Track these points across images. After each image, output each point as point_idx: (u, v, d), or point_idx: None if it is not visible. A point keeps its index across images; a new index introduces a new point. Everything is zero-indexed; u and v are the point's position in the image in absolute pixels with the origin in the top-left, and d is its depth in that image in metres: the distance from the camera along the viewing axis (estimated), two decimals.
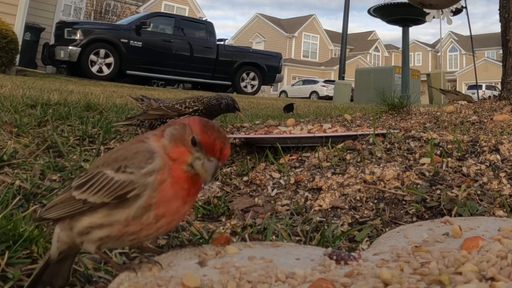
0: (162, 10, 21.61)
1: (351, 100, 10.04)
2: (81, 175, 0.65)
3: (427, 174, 1.16)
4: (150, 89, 7.52)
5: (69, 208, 0.63)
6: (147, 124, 1.70)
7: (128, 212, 0.60)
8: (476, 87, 6.46)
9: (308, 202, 1.13)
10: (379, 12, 8.37)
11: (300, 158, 1.43)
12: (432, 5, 2.86)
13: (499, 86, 3.28)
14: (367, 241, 0.90)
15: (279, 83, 17.55)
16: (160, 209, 0.60)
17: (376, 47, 36.36)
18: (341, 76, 12.16)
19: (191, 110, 1.69)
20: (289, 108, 3.75)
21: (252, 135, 1.67)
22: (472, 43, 4.04)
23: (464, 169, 1.16)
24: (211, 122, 0.63)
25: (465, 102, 2.84)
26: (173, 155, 0.60)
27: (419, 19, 8.20)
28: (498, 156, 1.22)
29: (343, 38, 12.53)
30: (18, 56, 8.30)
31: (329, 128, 1.65)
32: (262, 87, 12.72)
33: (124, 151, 0.62)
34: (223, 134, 0.62)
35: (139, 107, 1.79)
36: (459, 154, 1.27)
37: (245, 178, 1.33)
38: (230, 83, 10.94)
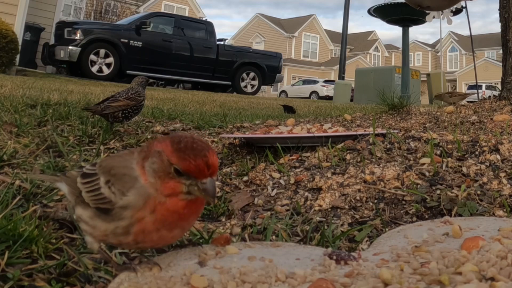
0: (162, 10, 21.60)
1: (351, 100, 10.04)
2: (95, 162, 0.66)
3: (427, 174, 1.16)
4: (150, 89, 7.51)
5: (73, 189, 0.66)
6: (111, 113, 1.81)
7: (107, 226, 0.60)
8: (476, 87, 6.45)
9: (308, 202, 1.13)
10: (379, 12, 8.36)
11: (300, 158, 1.43)
12: (430, 7, 2.85)
13: (499, 86, 3.28)
14: (367, 241, 0.90)
15: (279, 83, 17.55)
16: (140, 237, 0.60)
17: (376, 47, 36.36)
18: (341, 76, 12.16)
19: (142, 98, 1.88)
20: (289, 109, 3.74)
21: (252, 135, 1.67)
22: (472, 43, 4.04)
23: (464, 169, 1.16)
24: (183, 138, 0.57)
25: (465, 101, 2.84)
26: (166, 191, 0.57)
27: (419, 19, 8.20)
28: (498, 156, 1.22)
29: (343, 38, 12.53)
30: (18, 56, 8.30)
31: (329, 128, 1.65)
32: (262, 87, 12.72)
33: (117, 166, 0.61)
34: (199, 146, 0.56)
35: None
36: (459, 154, 1.27)
37: (245, 178, 1.33)
38: (230, 83, 10.94)
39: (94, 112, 1.86)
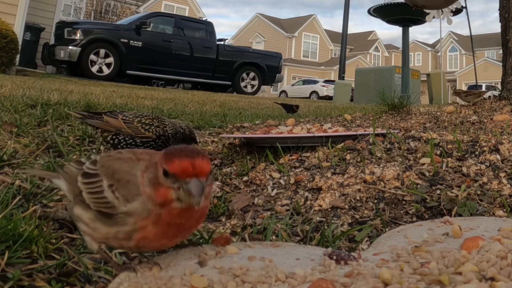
0: (162, 10, 21.58)
1: (351, 100, 10.03)
2: (94, 159, 0.66)
3: (427, 174, 1.16)
4: (150, 89, 7.52)
5: (72, 187, 0.65)
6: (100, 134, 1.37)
7: (109, 230, 0.60)
8: (476, 87, 6.46)
9: (308, 202, 1.13)
10: (379, 12, 8.37)
11: (300, 158, 1.43)
12: (425, 6, 2.87)
13: (499, 86, 3.28)
14: (367, 241, 0.90)
15: (279, 83, 17.54)
16: (141, 243, 0.60)
17: (376, 47, 36.34)
18: (341, 76, 12.15)
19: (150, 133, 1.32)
20: (288, 108, 3.73)
21: (252, 135, 1.67)
22: (472, 43, 4.04)
23: (464, 169, 1.16)
24: (178, 146, 0.58)
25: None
26: (158, 199, 0.56)
27: (419, 19, 8.20)
28: (498, 156, 1.22)
29: (343, 38, 12.52)
30: (18, 56, 8.29)
31: (329, 128, 1.65)
32: (262, 87, 12.71)
33: (121, 171, 0.61)
34: (190, 150, 0.56)
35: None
36: (459, 154, 1.27)
37: (245, 178, 1.32)
38: (230, 83, 10.94)
39: (81, 118, 1.39)
